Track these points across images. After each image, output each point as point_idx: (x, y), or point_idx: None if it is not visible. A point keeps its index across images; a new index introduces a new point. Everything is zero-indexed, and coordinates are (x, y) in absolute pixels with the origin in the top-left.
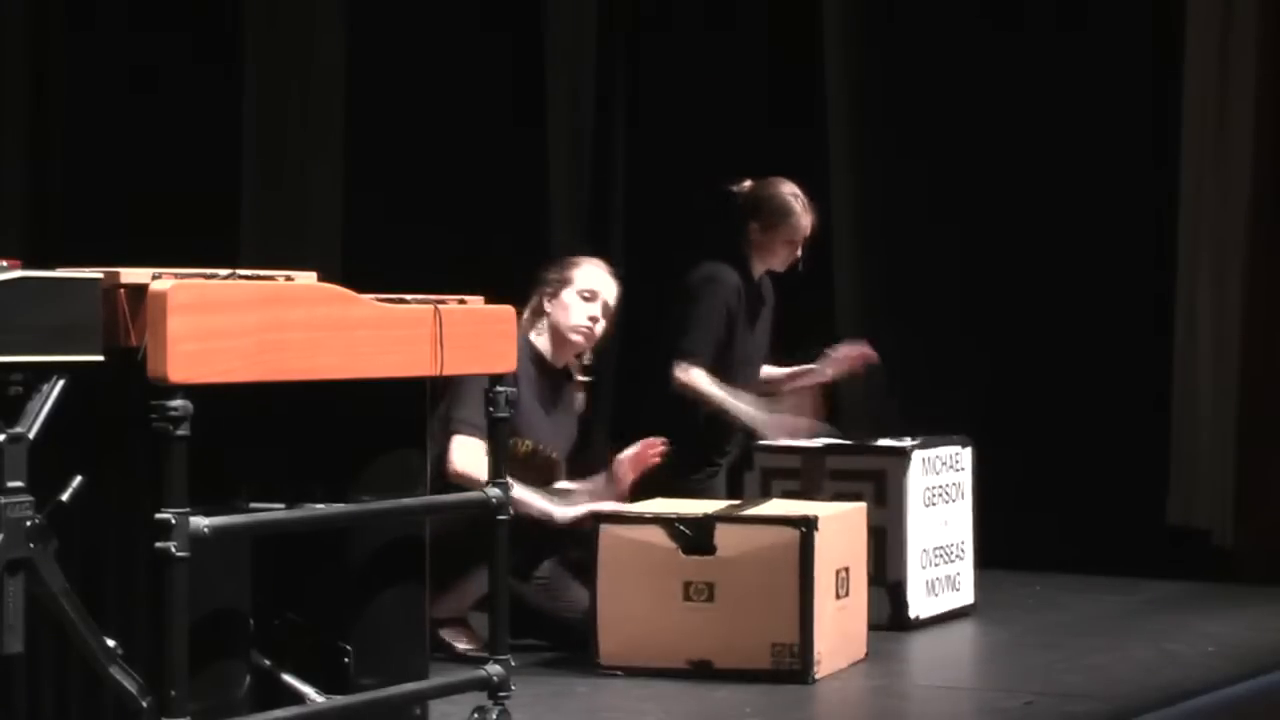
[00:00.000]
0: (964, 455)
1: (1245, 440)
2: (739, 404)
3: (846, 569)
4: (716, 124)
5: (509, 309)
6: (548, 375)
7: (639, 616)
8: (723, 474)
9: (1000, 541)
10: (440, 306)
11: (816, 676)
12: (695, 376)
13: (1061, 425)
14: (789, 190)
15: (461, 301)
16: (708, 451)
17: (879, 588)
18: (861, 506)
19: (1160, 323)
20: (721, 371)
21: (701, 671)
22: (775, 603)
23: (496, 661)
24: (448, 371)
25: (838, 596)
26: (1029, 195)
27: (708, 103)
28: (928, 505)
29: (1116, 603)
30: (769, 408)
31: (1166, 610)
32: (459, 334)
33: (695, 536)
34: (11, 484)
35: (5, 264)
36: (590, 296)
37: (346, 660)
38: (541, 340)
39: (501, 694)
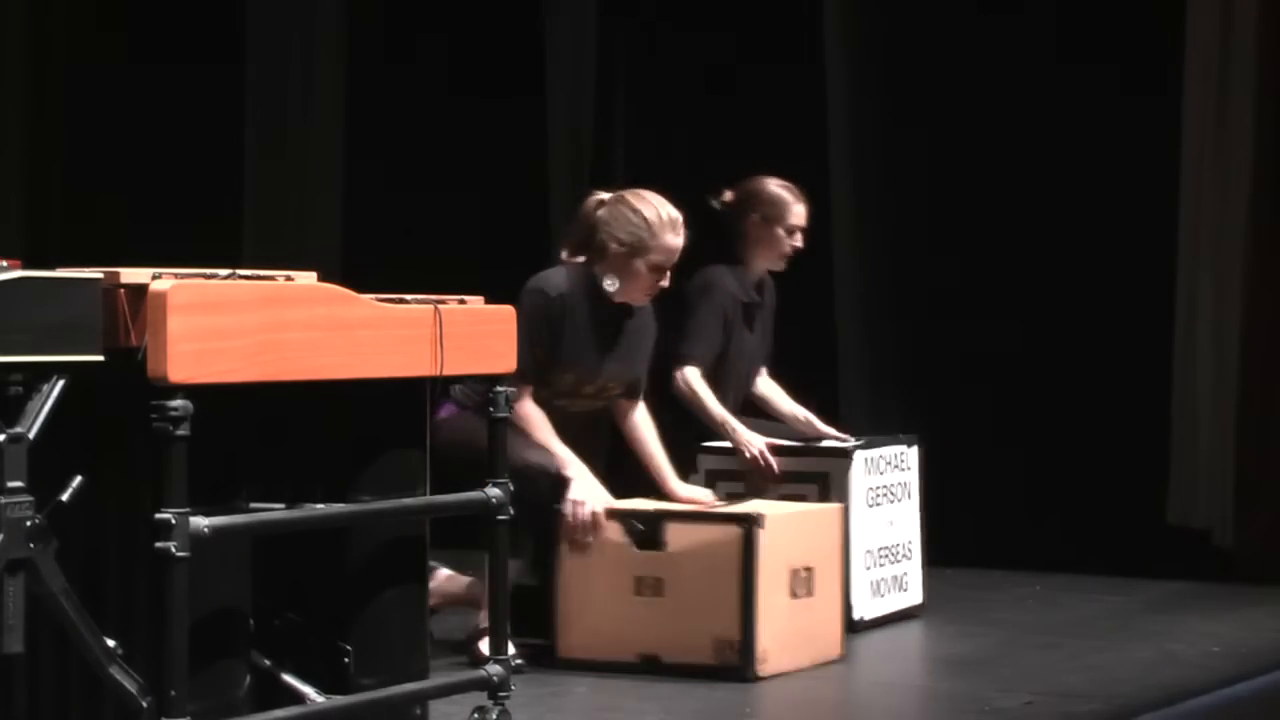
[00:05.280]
0: (910, 455)
1: (1245, 440)
2: (729, 419)
3: (809, 569)
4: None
5: (509, 309)
6: (607, 309)
7: (595, 610)
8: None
9: (999, 540)
10: (440, 306)
11: (760, 674)
12: (695, 384)
13: (1061, 425)
14: (777, 182)
15: (461, 301)
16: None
17: None
18: (837, 508)
19: (1160, 323)
20: (716, 375)
21: (649, 665)
22: (718, 598)
23: (496, 661)
24: (448, 371)
25: (795, 595)
26: (1030, 197)
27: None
28: (871, 505)
29: (1116, 603)
30: (762, 430)
31: (1166, 610)
32: (459, 334)
33: (647, 532)
34: (11, 484)
35: (5, 264)
36: (662, 268)
37: (346, 660)
38: (609, 281)
39: (501, 694)
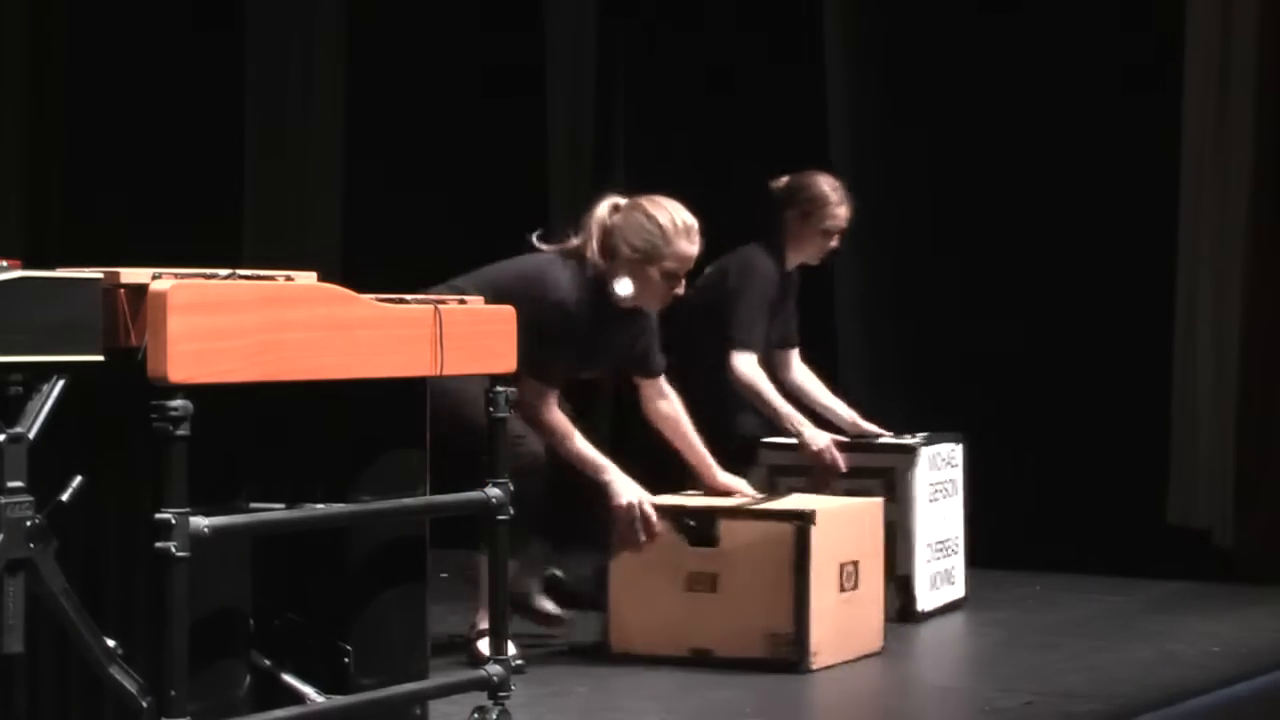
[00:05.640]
0: (957, 452)
1: (1245, 440)
2: (794, 414)
3: (855, 563)
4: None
5: (509, 309)
6: (610, 315)
7: (647, 605)
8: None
9: (1000, 540)
10: (440, 306)
11: (813, 666)
12: (753, 373)
13: (1061, 424)
14: (826, 181)
15: (461, 301)
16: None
17: (888, 581)
18: (877, 502)
19: (1160, 323)
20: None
21: (702, 660)
22: (772, 594)
23: (496, 661)
24: (448, 371)
25: (842, 589)
26: (1030, 197)
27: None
28: (932, 500)
29: (1116, 603)
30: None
31: (1166, 610)
32: (459, 334)
33: (700, 529)
34: (11, 484)
35: (5, 264)
36: (675, 275)
37: (346, 660)
38: (621, 285)
39: (501, 694)
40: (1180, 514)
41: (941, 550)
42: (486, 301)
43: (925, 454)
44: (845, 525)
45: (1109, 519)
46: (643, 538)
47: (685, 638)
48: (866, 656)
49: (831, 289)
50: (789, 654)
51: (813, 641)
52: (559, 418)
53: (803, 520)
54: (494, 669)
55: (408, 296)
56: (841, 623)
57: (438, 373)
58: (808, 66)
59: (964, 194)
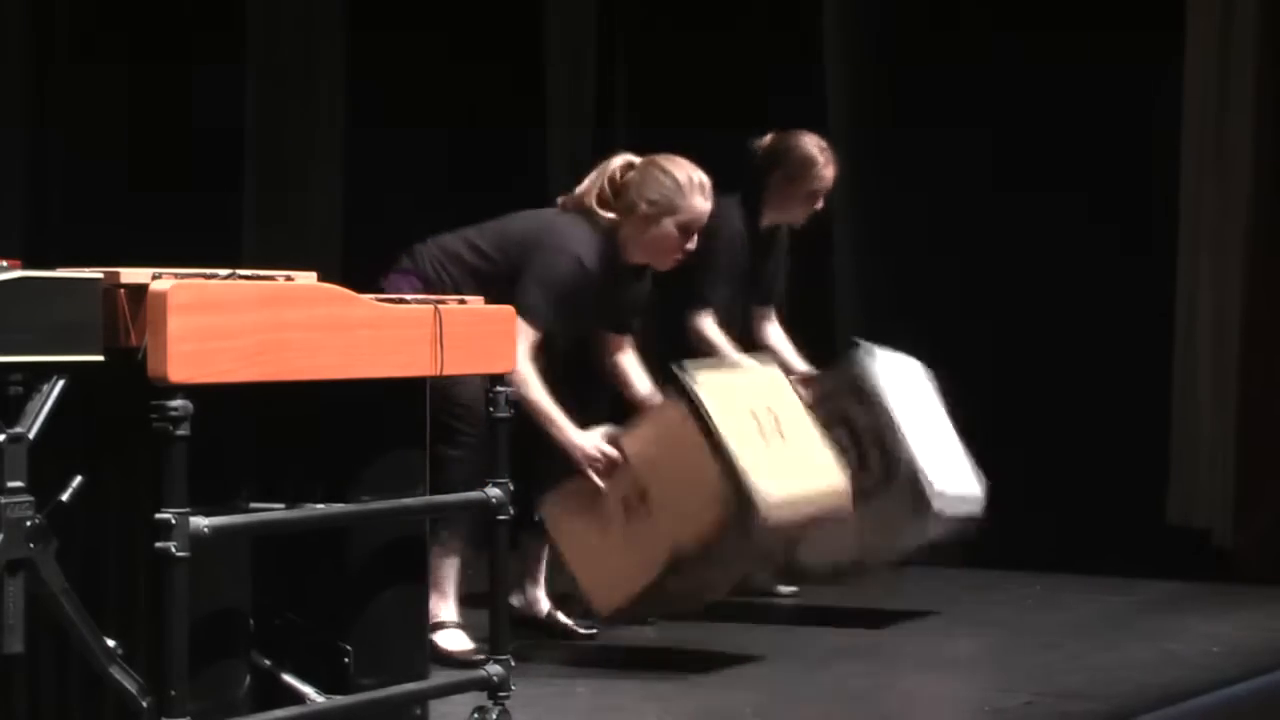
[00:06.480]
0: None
1: (1245, 440)
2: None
3: (769, 410)
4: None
5: (509, 309)
6: (621, 275)
7: (607, 560)
8: None
9: (999, 540)
10: (440, 306)
11: (769, 519)
12: (711, 330)
13: (1061, 425)
14: (813, 142)
15: (461, 301)
16: None
17: (894, 473)
18: (775, 370)
19: (1160, 323)
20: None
21: (675, 567)
22: (699, 473)
23: (496, 661)
24: (448, 371)
25: (764, 436)
26: (1029, 197)
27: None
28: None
29: (1116, 603)
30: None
31: (1166, 610)
32: (459, 334)
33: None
34: (11, 484)
35: (5, 264)
36: (689, 229)
37: (346, 660)
38: (631, 241)
39: (501, 694)
40: (1180, 514)
41: (941, 450)
42: (497, 251)
43: (881, 357)
44: (740, 382)
45: (1109, 519)
46: (601, 481)
47: (652, 560)
48: (829, 511)
49: (832, 288)
50: (744, 511)
51: (761, 491)
52: (529, 368)
53: (685, 393)
54: (494, 669)
55: (408, 296)
56: (783, 466)
57: (438, 372)
58: (808, 66)
59: (964, 193)
